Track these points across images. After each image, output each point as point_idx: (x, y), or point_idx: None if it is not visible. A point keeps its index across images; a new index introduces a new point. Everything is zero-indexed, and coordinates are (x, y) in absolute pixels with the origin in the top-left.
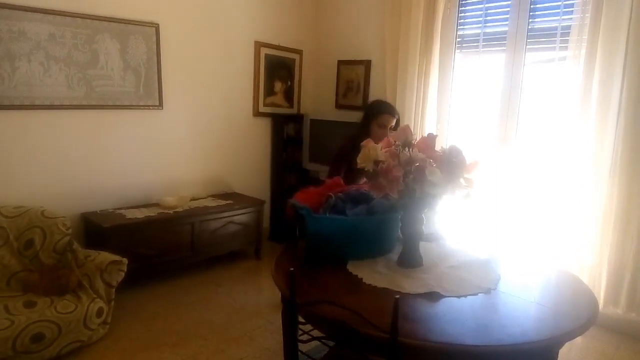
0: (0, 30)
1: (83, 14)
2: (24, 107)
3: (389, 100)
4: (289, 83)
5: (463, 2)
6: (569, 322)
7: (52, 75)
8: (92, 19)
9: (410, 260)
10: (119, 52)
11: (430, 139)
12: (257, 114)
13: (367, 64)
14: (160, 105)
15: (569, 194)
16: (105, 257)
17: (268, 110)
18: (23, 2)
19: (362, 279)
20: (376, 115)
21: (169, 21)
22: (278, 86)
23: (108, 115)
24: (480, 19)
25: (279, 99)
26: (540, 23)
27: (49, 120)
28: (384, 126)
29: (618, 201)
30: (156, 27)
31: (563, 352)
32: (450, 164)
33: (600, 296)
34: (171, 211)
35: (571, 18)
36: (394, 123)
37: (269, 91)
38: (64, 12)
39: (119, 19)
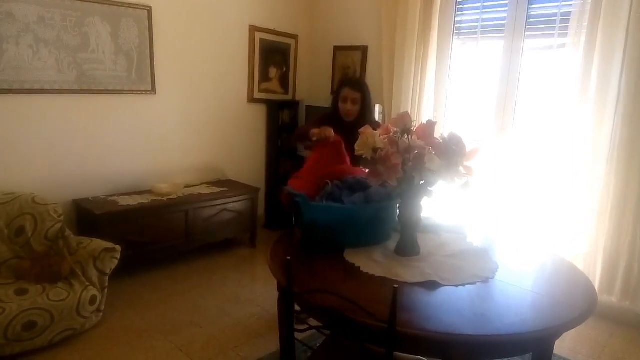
0: None
1: None
2: (13, 91)
3: (385, 86)
4: (284, 69)
5: None
6: (567, 313)
7: (41, 59)
8: (82, 1)
9: (407, 249)
10: (110, 35)
11: (430, 126)
12: (251, 100)
13: (363, 49)
14: (152, 90)
15: (566, 182)
16: (98, 244)
17: (263, 96)
18: None
19: (359, 267)
20: (339, 90)
21: (161, 4)
22: (273, 72)
23: (99, 100)
24: (479, 4)
25: (274, 85)
26: (539, 9)
27: (39, 104)
28: (344, 99)
29: (615, 190)
30: (148, 9)
31: (557, 340)
32: (450, 152)
33: (595, 284)
34: (165, 198)
35: (571, 4)
36: (357, 97)
37: (264, 77)
38: None
39: (110, 1)
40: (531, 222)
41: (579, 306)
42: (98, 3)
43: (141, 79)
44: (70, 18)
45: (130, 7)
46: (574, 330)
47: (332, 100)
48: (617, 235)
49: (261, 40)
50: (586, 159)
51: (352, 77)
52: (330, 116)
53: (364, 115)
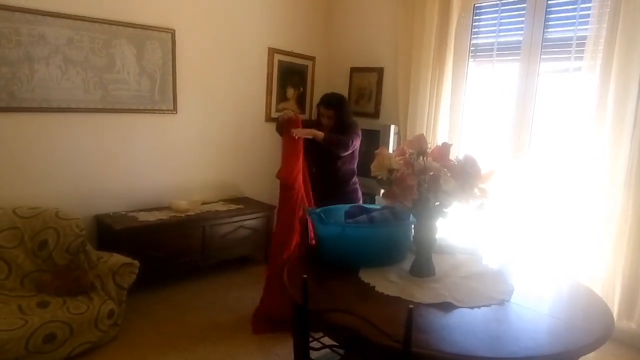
0: (21, 34)
1: (101, 19)
2: (41, 109)
3: (401, 108)
4: (302, 89)
5: (477, 10)
6: (583, 336)
7: (69, 79)
8: (110, 24)
9: (422, 270)
10: (135, 57)
11: (445, 148)
12: (269, 119)
13: (379, 71)
14: (174, 109)
15: (583, 205)
16: (118, 259)
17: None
18: (44, 7)
19: (374, 287)
20: (318, 107)
21: (184, 27)
22: (290, 92)
23: (123, 119)
24: (495, 28)
25: (291, 104)
26: (555, 33)
27: (65, 123)
28: (321, 115)
29: (633, 213)
30: (172, 32)
31: None
32: (465, 174)
33: (614, 309)
34: (183, 215)
35: (587, 28)
36: (331, 113)
37: (282, 97)
38: (83, 17)
39: (136, 24)
40: (547, 245)
41: (595, 330)
42: (124, 26)
43: (163, 98)
44: (98, 40)
45: (155, 30)
46: (592, 356)
47: (316, 114)
48: (636, 259)
49: (279, 61)
50: (603, 182)
51: (326, 96)
52: (315, 125)
53: (337, 124)
